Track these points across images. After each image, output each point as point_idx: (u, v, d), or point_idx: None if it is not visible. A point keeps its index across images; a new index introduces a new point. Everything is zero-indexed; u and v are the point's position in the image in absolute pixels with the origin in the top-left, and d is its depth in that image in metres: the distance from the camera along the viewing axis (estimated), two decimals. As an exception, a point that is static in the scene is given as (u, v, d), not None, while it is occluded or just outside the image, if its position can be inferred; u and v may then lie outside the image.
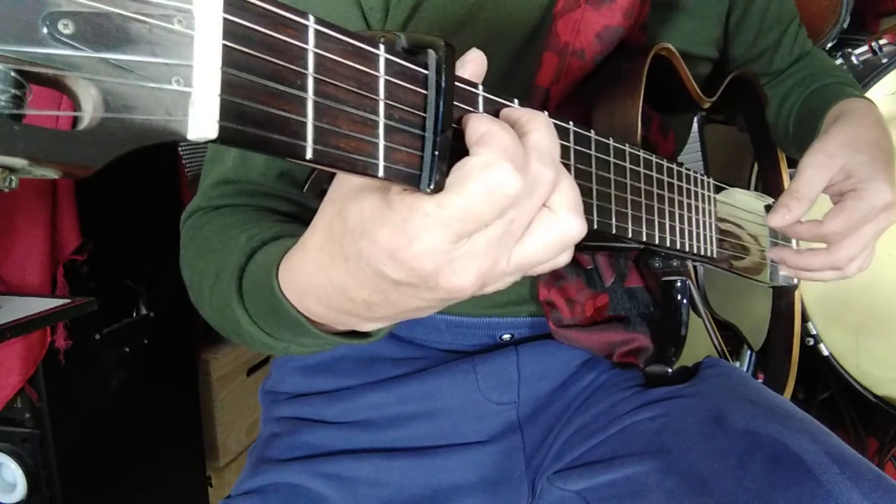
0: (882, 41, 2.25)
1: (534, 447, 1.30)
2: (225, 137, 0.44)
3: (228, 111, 0.45)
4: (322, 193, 0.72)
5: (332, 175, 0.71)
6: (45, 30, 0.37)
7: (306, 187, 0.75)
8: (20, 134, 0.37)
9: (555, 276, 1.23)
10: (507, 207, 0.60)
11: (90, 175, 0.40)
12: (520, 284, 1.25)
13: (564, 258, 0.71)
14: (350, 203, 0.65)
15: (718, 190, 1.30)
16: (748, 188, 1.75)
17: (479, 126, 0.61)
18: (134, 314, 2.15)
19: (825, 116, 1.38)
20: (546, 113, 0.74)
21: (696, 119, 1.57)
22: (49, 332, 1.80)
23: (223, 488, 2.49)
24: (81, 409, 1.95)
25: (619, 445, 1.16)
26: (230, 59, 0.45)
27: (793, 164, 1.63)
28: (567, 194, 0.66)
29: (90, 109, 0.39)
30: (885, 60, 2.18)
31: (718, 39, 1.43)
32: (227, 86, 0.44)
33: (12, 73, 0.37)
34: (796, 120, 1.54)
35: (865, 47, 2.27)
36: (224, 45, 0.44)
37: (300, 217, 1.08)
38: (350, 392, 1.30)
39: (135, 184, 2.13)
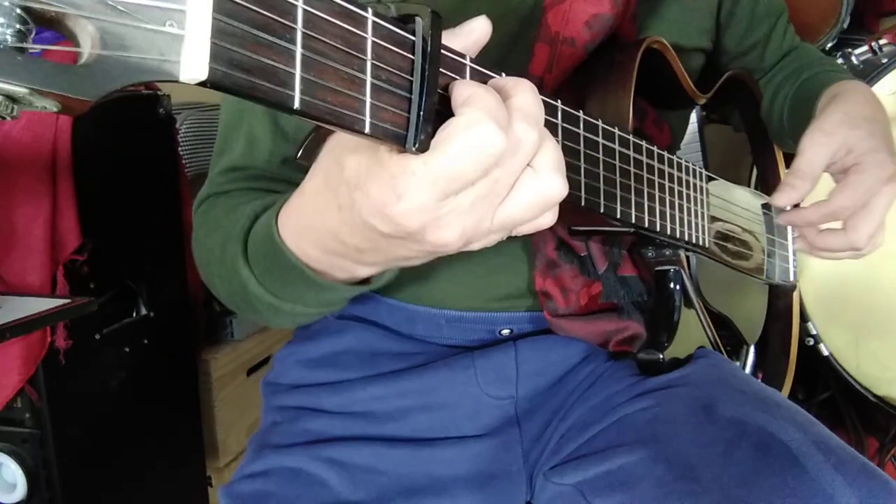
0: (882, 41, 2.26)
1: (531, 442, 1.32)
2: (214, 80, 0.47)
3: (219, 56, 0.48)
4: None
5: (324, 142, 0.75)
6: (47, -30, 0.41)
7: (300, 153, 0.78)
8: (23, 65, 0.40)
9: (550, 265, 1.25)
10: (491, 166, 0.64)
11: (86, 109, 0.44)
12: (517, 278, 1.28)
13: (547, 219, 0.74)
14: (349, 153, 0.69)
15: (711, 180, 1.33)
16: (748, 187, 1.78)
17: (463, 89, 0.65)
18: (134, 314, 2.15)
19: (818, 101, 1.40)
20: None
21: (696, 118, 1.60)
22: (49, 332, 1.81)
23: (223, 488, 2.50)
24: (81, 409, 1.96)
25: (614, 437, 1.18)
26: (221, 7, 0.48)
27: (790, 163, 1.66)
28: (550, 155, 0.70)
29: (88, 47, 0.43)
30: (885, 60, 2.20)
31: (711, 30, 1.45)
32: (218, 32, 0.47)
33: (17, 10, 0.40)
34: (790, 111, 1.55)
35: (865, 47, 2.28)
36: (216, -6, 0.47)
37: None
38: (351, 384, 1.32)
39: (135, 184, 2.16)
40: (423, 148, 0.62)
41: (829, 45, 2.52)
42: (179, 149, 2.37)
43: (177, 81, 0.46)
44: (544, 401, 1.34)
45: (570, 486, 1.17)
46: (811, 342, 2.24)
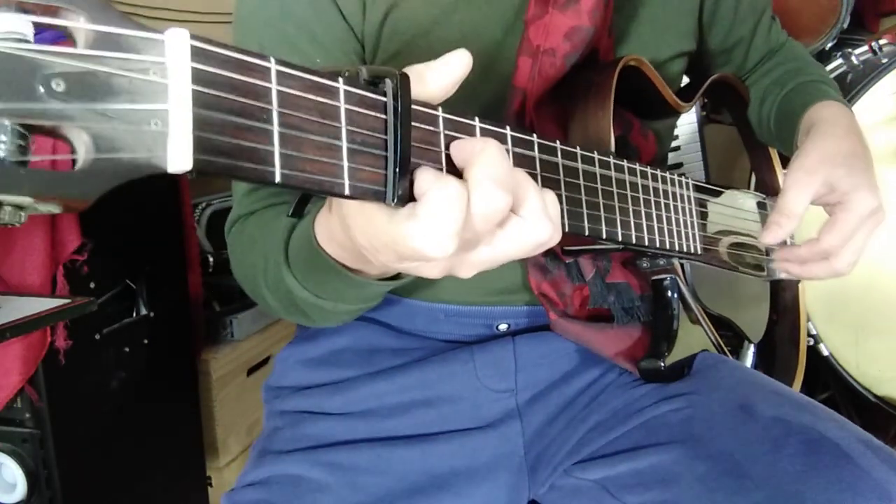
0: (882, 41, 2.29)
1: (533, 434, 1.36)
2: (200, 169, 0.54)
3: (202, 145, 0.54)
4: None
5: (316, 201, 0.82)
6: (41, 88, 0.47)
7: (290, 212, 0.85)
8: (26, 177, 0.47)
9: (542, 269, 1.29)
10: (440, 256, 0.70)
11: (87, 207, 0.50)
12: (512, 272, 1.32)
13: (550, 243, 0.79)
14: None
15: (707, 191, 1.38)
16: (748, 188, 1.81)
17: (422, 183, 0.69)
18: (134, 314, 2.16)
19: (801, 121, 1.44)
20: (509, 132, 0.83)
21: (696, 119, 1.64)
22: (49, 332, 1.81)
23: (223, 488, 2.49)
24: (81, 409, 1.97)
25: (642, 436, 1.24)
26: (200, 101, 0.54)
27: (784, 160, 1.69)
28: (534, 204, 0.75)
29: (83, 152, 0.49)
30: (885, 60, 2.23)
31: (694, 31, 1.48)
32: (199, 123, 0.54)
33: (17, 127, 0.46)
34: (776, 122, 1.59)
35: (865, 47, 2.31)
36: (194, 90, 0.53)
37: None
38: (351, 383, 1.37)
39: (135, 184, 2.11)
40: (403, 202, 0.68)
41: (829, 45, 2.54)
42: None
43: (165, 173, 0.52)
44: (545, 393, 1.39)
45: (592, 481, 1.23)
46: (811, 342, 2.28)
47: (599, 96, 1.18)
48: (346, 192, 0.65)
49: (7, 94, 0.45)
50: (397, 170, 0.68)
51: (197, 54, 0.54)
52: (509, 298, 1.37)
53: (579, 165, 0.99)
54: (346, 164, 0.65)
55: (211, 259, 2.57)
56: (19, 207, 0.48)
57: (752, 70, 1.71)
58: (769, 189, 1.77)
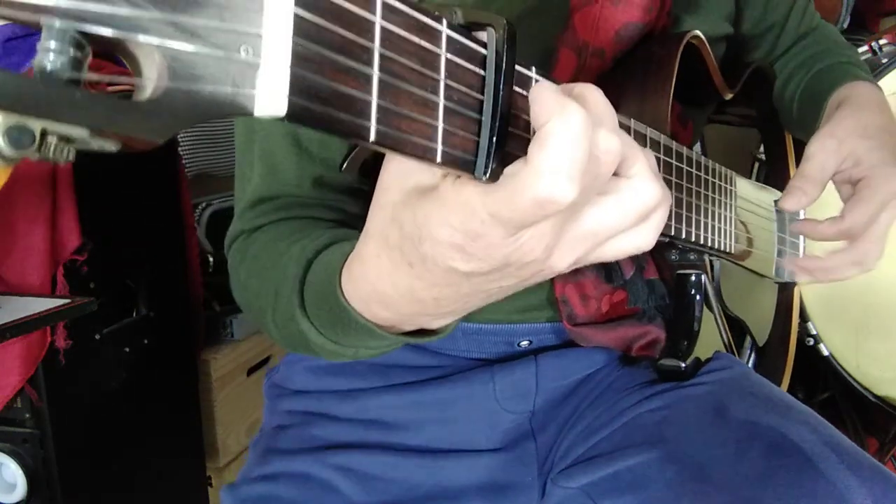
0: (882, 41, 2.23)
1: (546, 451, 1.27)
2: (293, 114, 0.40)
3: (298, 86, 0.40)
4: (364, 172, 0.69)
5: (373, 154, 0.67)
6: (109, -14, 0.32)
7: (344, 166, 0.70)
8: (81, 101, 0.32)
9: (574, 271, 1.19)
10: (558, 211, 0.55)
11: (152, 148, 0.36)
12: (538, 287, 1.20)
13: (648, 239, 0.65)
14: (402, 209, 0.61)
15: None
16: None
17: (543, 110, 0.53)
18: (134, 314, 2.13)
19: (828, 100, 1.34)
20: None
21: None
22: (49, 332, 1.79)
23: (223, 488, 2.48)
24: (81, 409, 1.94)
25: (621, 438, 1.15)
26: (301, 29, 0.40)
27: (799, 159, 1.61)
28: (642, 161, 0.61)
29: (154, 77, 0.34)
30: (885, 60, 2.16)
31: (732, 13, 1.37)
32: (298, 58, 0.40)
33: (73, 33, 0.32)
34: (799, 103, 1.49)
35: (865, 47, 2.25)
36: (296, 13, 0.39)
37: (346, 223, 1.06)
38: (363, 393, 1.27)
39: (135, 184, 2.12)
40: (495, 176, 0.54)
41: (830, 45, 2.48)
42: (179, 149, 2.35)
43: (251, 115, 0.38)
44: (558, 410, 1.30)
45: (576, 489, 1.12)
46: (811, 342, 2.22)
47: (660, 74, 1.05)
48: (439, 158, 0.51)
49: None
50: (494, 139, 0.54)
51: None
52: (533, 315, 1.26)
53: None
54: (441, 125, 0.51)
55: (211, 259, 2.58)
56: (68, 140, 0.33)
57: (782, 55, 1.59)
58: (782, 186, 1.66)
